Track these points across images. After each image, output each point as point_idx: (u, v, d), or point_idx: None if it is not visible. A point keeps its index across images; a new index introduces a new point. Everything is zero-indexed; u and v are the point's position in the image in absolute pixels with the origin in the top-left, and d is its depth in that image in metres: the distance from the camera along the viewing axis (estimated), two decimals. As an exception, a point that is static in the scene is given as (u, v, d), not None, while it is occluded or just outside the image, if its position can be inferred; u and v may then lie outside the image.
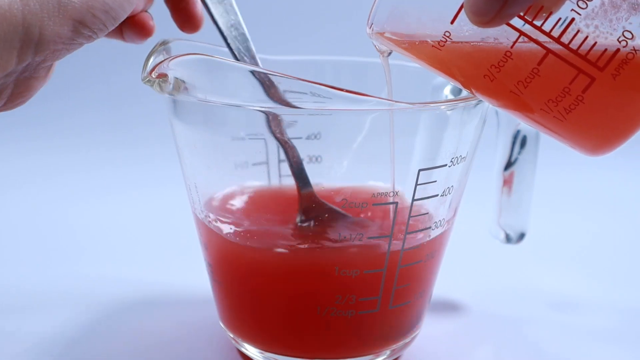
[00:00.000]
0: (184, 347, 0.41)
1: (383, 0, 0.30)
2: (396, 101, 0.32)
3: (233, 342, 0.39)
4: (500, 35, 0.28)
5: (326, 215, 0.37)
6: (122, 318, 0.44)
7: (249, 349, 0.38)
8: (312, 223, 0.38)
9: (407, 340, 0.38)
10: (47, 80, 0.34)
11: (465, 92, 0.39)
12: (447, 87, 0.40)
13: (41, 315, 0.44)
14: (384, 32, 0.31)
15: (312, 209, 0.38)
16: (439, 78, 0.40)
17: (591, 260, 0.55)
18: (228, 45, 0.39)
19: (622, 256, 0.56)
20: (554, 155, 0.63)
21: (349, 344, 0.36)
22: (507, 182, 0.42)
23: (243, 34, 0.40)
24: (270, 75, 0.32)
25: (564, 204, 0.67)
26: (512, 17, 0.26)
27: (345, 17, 0.78)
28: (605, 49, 0.26)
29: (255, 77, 0.32)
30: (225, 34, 0.39)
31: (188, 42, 0.39)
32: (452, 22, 0.28)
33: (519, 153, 0.41)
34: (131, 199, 0.67)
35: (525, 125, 0.41)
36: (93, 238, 0.58)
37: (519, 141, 0.41)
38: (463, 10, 0.26)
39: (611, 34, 0.26)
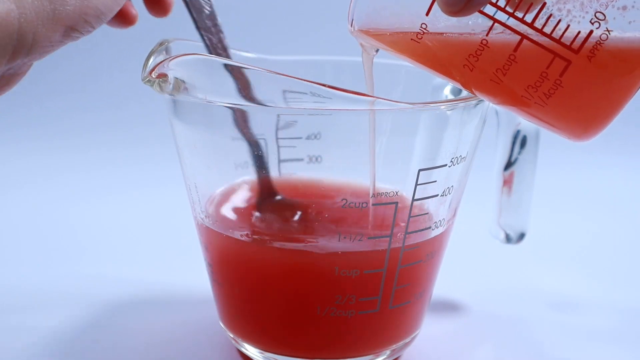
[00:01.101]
0: (184, 347, 0.41)
1: None
2: (396, 101, 0.32)
3: (233, 342, 0.39)
4: (475, 23, 0.28)
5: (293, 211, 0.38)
6: (122, 318, 0.44)
7: (249, 349, 0.38)
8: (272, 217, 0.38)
9: (407, 340, 0.38)
10: (26, 74, 0.34)
11: (465, 92, 0.39)
12: (447, 87, 0.40)
13: (42, 314, 0.44)
14: (365, 29, 0.31)
15: (272, 204, 0.38)
16: (439, 78, 0.40)
17: (591, 260, 0.55)
18: (202, 36, 0.39)
19: (622, 256, 0.56)
20: (554, 155, 0.63)
21: (349, 344, 0.36)
22: (507, 182, 0.42)
23: (217, 26, 0.39)
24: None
25: (564, 204, 0.67)
26: (482, 5, 0.26)
27: (345, 17, 0.78)
28: (579, 32, 0.26)
29: (232, 75, 0.32)
30: (200, 25, 0.39)
31: (188, 42, 0.39)
32: (427, 14, 0.28)
33: (519, 153, 0.41)
34: (131, 199, 0.67)
35: (525, 125, 0.41)
36: (93, 238, 0.58)
37: (519, 141, 0.41)
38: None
39: (583, 17, 0.26)
